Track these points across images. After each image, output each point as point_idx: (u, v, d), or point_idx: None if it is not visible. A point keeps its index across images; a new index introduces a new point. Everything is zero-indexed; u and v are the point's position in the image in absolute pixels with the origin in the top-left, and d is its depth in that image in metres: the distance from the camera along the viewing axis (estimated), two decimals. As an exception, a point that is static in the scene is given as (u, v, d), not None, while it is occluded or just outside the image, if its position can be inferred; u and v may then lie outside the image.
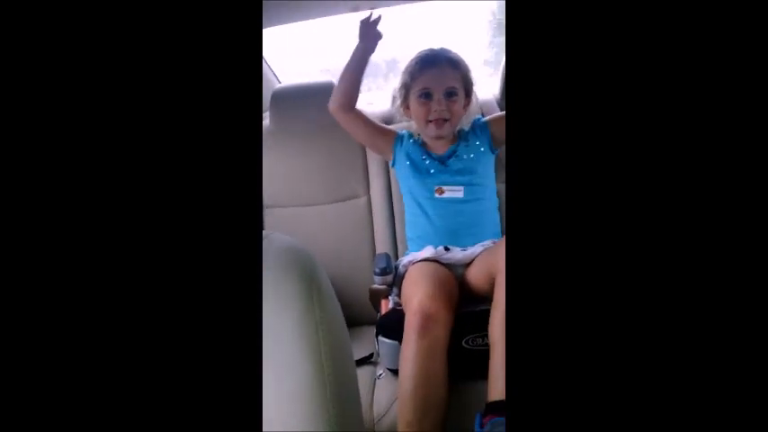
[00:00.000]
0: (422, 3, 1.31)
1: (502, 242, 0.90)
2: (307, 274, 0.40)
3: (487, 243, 1.00)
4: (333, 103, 1.12)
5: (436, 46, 1.10)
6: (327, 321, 0.38)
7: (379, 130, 1.14)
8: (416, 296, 0.83)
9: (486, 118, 1.15)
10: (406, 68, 1.08)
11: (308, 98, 1.31)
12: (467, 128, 1.12)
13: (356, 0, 1.06)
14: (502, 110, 1.23)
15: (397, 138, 1.13)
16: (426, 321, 0.79)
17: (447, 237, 1.03)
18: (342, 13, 1.35)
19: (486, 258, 0.92)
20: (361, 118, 1.13)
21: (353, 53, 1.08)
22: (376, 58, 1.13)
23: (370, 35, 1.05)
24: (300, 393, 0.35)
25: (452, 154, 1.09)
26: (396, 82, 1.15)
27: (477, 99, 1.12)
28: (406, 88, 1.08)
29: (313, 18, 1.41)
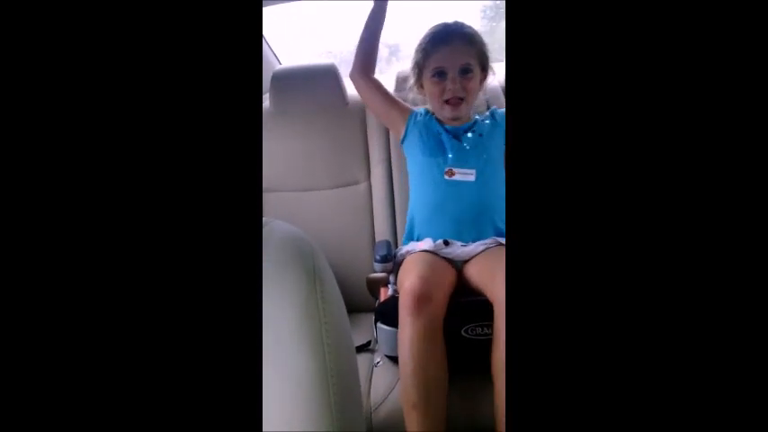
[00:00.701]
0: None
1: (501, 263, 0.84)
2: (309, 264, 0.39)
3: (489, 241, 0.98)
4: (353, 69, 1.12)
5: (450, 20, 1.06)
6: (330, 313, 0.37)
7: (395, 103, 1.13)
8: (408, 279, 0.83)
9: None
10: (419, 46, 1.05)
11: (309, 80, 1.28)
12: (483, 114, 1.09)
13: None
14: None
15: (412, 114, 1.11)
16: (418, 301, 0.79)
17: (452, 222, 1.01)
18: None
19: (486, 272, 0.89)
20: (379, 87, 1.13)
21: (370, 12, 1.08)
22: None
23: None
24: (303, 386, 0.34)
25: (469, 129, 1.05)
26: (398, 67, 1.13)
27: (494, 73, 1.09)
28: (419, 67, 1.05)
29: None
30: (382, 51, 1.14)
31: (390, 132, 1.24)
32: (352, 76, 1.13)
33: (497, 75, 1.14)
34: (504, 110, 1.12)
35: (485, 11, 1.74)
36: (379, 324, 0.94)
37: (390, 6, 1.10)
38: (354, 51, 1.12)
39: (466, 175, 1.02)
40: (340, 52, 1.72)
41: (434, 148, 1.05)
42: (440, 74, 1.01)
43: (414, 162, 1.09)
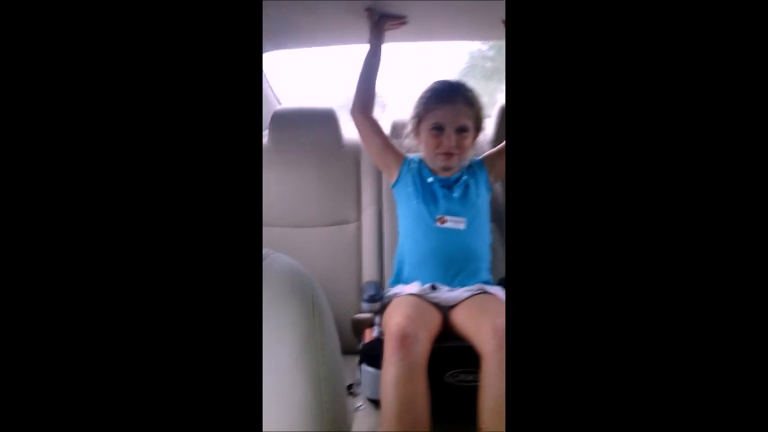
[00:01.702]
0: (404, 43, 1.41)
1: (488, 312, 0.87)
2: (309, 296, 0.40)
3: (474, 288, 1.00)
4: (353, 106, 1.15)
5: (453, 78, 1.13)
6: (327, 345, 0.38)
7: (391, 146, 1.17)
8: (394, 319, 0.84)
9: (482, 156, 1.18)
10: (421, 98, 1.11)
11: (308, 122, 1.33)
12: (467, 163, 1.15)
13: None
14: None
15: (406, 160, 1.15)
16: (404, 341, 0.80)
17: (441, 267, 1.03)
18: (351, 42, 1.39)
19: (471, 320, 0.90)
20: (378, 127, 1.16)
21: (366, 53, 1.14)
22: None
23: (380, 26, 1.13)
24: (298, 418, 0.34)
25: (458, 180, 1.11)
26: (386, 117, 1.18)
27: (485, 133, 1.16)
28: (418, 118, 1.10)
29: (324, 45, 1.45)
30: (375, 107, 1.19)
31: (383, 176, 1.28)
32: (352, 113, 1.17)
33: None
34: (480, 157, 1.18)
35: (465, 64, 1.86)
36: (363, 365, 0.93)
37: (384, 50, 1.17)
38: (353, 93, 1.17)
39: (457, 223, 1.06)
40: (336, 99, 1.79)
41: (427, 196, 1.09)
42: (438, 128, 1.07)
43: (406, 207, 1.12)
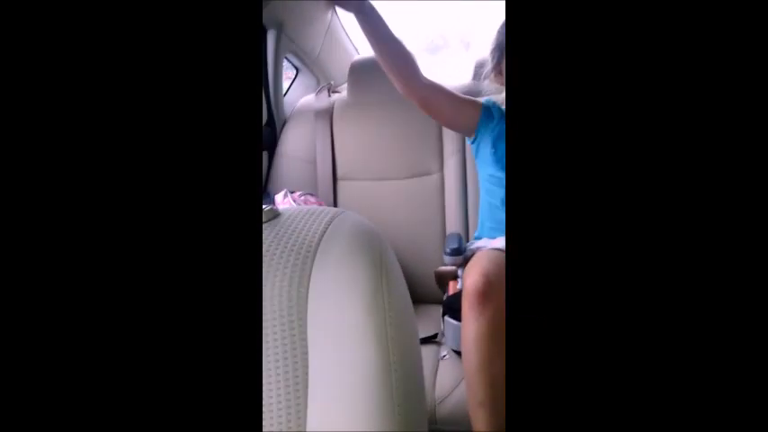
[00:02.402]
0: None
1: None
2: (377, 256, 0.39)
3: None
4: (398, 85, 0.96)
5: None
6: (395, 306, 0.37)
7: (462, 101, 1.00)
8: (472, 276, 0.81)
9: None
10: (504, 25, 0.97)
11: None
12: None
13: None
14: None
15: (485, 109, 0.99)
16: (480, 298, 0.78)
17: None
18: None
19: None
20: (438, 89, 0.99)
21: (362, 27, 0.93)
22: (447, 33, 1.07)
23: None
24: (365, 377, 0.35)
25: None
26: (468, 56, 1.06)
27: None
28: (500, 49, 0.96)
29: None
30: (456, 47, 1.06)
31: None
32: (406, 93, 0.96)
33: None
34: None
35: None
36: (446, 318, 0.93)
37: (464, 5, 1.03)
38: (386, 69, 0.95)
39: None
40: (414, 43, 1.70)
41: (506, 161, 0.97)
42: None
43: (485, 169, 1.02)
